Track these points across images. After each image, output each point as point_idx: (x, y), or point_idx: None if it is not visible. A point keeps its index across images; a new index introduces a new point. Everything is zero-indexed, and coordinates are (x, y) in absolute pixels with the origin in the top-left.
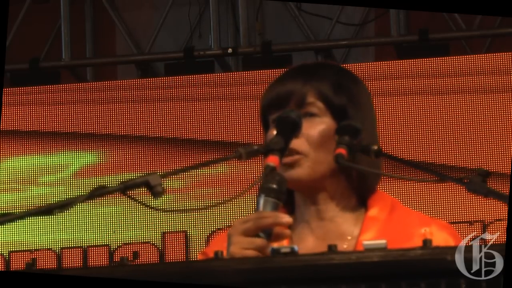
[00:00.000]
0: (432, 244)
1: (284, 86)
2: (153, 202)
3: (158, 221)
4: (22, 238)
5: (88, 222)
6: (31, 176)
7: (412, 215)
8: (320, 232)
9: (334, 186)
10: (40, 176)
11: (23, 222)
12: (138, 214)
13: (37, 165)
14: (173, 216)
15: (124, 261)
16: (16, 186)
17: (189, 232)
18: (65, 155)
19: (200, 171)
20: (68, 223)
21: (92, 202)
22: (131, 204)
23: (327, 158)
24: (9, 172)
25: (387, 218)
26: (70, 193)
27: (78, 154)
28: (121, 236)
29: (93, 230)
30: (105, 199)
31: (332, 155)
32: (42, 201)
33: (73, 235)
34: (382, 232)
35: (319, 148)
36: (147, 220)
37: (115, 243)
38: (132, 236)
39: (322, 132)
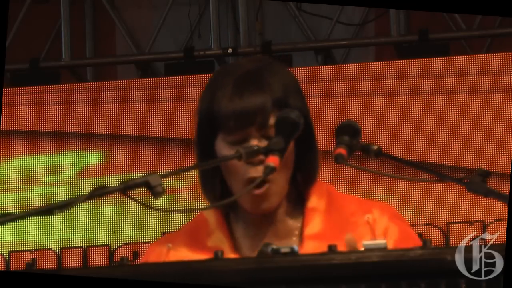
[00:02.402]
0: (376, 228)
1: (243, 103)
2: (153, 202)
3: (158, 221)
4: (22, 238)
5: (88, 222)
6: (31, 176)
7: (351, 202)
8: (268, 234)
9: (286, 196)
10: (40, 176)
11: (23, 222)
12: (138, 214)
13: (37, 165)
14: (173, 216)
15: (124, 261)
16: (16, 186)
17: None
18: (65, 155)
19: None
20: (68, 223)
21: (92, 202)
22: (131, 204)
23: (287, 175)
24: (9, 172)
25: (327, 208)
26: (70, 193)
27: (78, 154)
28: (121, 236)
29: (93, 230)
30: (105, 199)
31: (289, 169)
32: (43, 201)
33: (73, 235)
34: (326, 224)
35: (282, 171)
36: (147, 220)
37: (115, 243)
38: (132, 236)
39: (287, 159)
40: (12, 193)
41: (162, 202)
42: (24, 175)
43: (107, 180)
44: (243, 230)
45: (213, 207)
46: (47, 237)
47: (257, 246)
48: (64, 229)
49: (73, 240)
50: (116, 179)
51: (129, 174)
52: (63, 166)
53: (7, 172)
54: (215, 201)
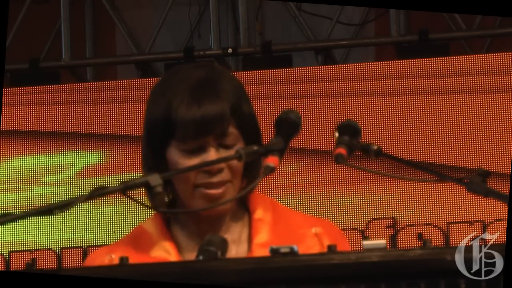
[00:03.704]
0: (323, 240)
1: (202, 111)
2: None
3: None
4: (22, 238)
5: (88, 222)
6: (31, 176)
7: (295, 216)
8: None
9: (234, 201)
10: (40, 176)
11: (23, 222)
12: (138, 214)
13: (37, 165)
14: None
15: (124, 261)
16: (16, 186)
17: None
18: (65, 155)
19: None
20: (68, 223)
21: (92, 202)
22: (131, 204)
23: (240, 179)
24: (9, 172)
25: (272, 220)
26: (70, 193)
27: (78, 154)
28: (121, 236)
29: (93, 230)
30: (105, 199)
31: (241, 174)
32: (43, 201)
33: (73, 235)
34: (273, 234)
35: (238, 176)
36: None
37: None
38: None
39: (242, 163)
40: (12, 193)
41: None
42: (24, 175)
43: (107, 180)
44: (188, 237)
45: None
46: (47, 237)
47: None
48: (64, 229)
49: (73, 240)
50: (116, 179)
51: (129, 174)
52: (63, 166)
53: (7, 172)
54: (160, 208)
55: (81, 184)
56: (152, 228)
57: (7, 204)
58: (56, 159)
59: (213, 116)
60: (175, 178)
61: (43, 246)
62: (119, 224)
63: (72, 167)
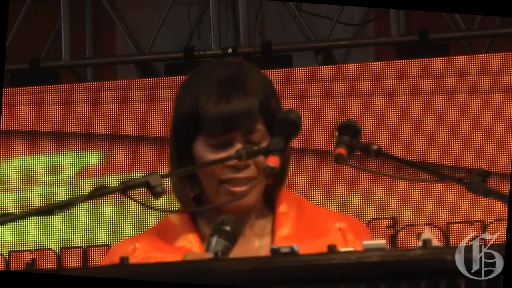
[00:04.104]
0: (347, 234)
1: (230, 107)
2: (153, 202)
3: (158, 221)
4: (22, 238)
5: (88, 222)
6: (31, 176)
7: (320, 211)
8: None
9: (259, 198)
10: (40, 176)
11: (23, 222)
12: (138, 214)
13: (37, 165)
14: None
15: (124, 261)
16: (16, 186)
17: None
18: (65, 155)
19: None
20: (68, 223)
21: (92, 202)
22: (131, 204)
23: (265, 178)
24: (9, 172)
25: (297, 214)
26: (70, 193)
27: (78, 154)
28: (121, 236)
29: (93, 230)
30: (105, 199)
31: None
32: (43, 201)
33: (73, 235)
34: (297, 228)
35: (262, 170)
36: (147, 220)
37: (115, 243)
38: (132, 236)
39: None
40: (12, 193)
41: (162, 202)
42: (24, 175)
43: (107, 180)
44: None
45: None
46: (47, 237)
47: None
48: (64, 229)
49: (73, 240)
50: (116, 179)
51: (129, 174)
52: (63, 166)
53: (7, 172)
54: (187, 202)
55: (81, 184)
56: (178, 220)
57: (7, 204)
58: (56, 159)
59: (241, 112)
60: (200, 173)
61: (43, 246)
62: (119, 224)
63: (72, 167)
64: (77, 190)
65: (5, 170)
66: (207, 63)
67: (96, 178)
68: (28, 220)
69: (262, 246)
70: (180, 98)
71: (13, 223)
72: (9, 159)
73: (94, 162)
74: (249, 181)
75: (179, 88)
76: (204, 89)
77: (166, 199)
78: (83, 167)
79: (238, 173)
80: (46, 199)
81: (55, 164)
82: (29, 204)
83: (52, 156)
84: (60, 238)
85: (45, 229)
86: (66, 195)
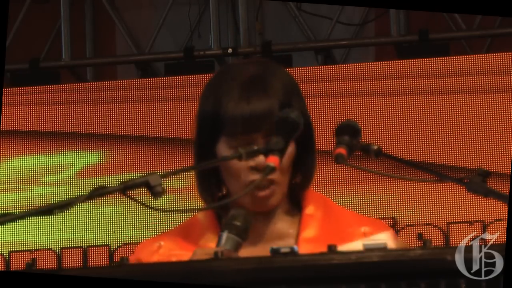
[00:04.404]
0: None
1: (250, 108)
2: (153, 202)
3: (158, 221)
4: (22, 238)
5: (88, 222)
6: (31, 176)
7: (347, 214)
8: (263, 235)
9: (285, 197)
10: (40, 176)
11: (23, 222)
12: (138, 214)
13: (37, 165)
14: (173, 216)
15: (124, 261)
16: (16, 186)
17: None
18: (65, 155)
19: None
20: (68, 223)
21: (92, 202)
22: (131, 204)
23: (289, 176)
24: (9, 172)
25: (323, 217)
26: (70, 193)
27: (78, 154)
28: (121, 236)
29: (93, 230)
30: (105, 199)
31: (290, 170)
32: (42, 201)
33: (73, 235)
34: (322, 230)
35: (285, 171)
36: (147, 220)
37: (115, 243)
38: (132, 236)
39: (290, 160)
40: (12, 193)
41: (162, 202)
42: (24, 175)
43: (107, 180)
44: None
45: (211, 207)
46: (47, 237)
47: (252, 246)
48: (64, 229)
49: (73, 240)
50: (116, 179)
51: (129, 174)
52: (63, 166)
53: (7, 172)
54: (211, 202)
55: (81, 184)
56: (203, 218)
57: (7, 204)
58: (56, 159)
59: (262, 113)
60: (225, 175)
61: (43, 246)
62: (119, 224)
63: (72, 167)
64: (77, 190)
65: (5, 170)
66: (233, 61)
67: (96, 178)
68: (28, 220)
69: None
70: (203, 98)
71: (13, 223)
72: (9, 159)
73: (94, 162)
74: (272, 183)
75: (203, 88)
76: (226, 90)
77: (166, 199)
78: (83, 167)
79: (261, 175)
80: (46, 199)
81: (55, 164)
82: (29, 204)
83: (52, 156)
84: (60, 238)
85: (45, 229)
86: (66, 195)
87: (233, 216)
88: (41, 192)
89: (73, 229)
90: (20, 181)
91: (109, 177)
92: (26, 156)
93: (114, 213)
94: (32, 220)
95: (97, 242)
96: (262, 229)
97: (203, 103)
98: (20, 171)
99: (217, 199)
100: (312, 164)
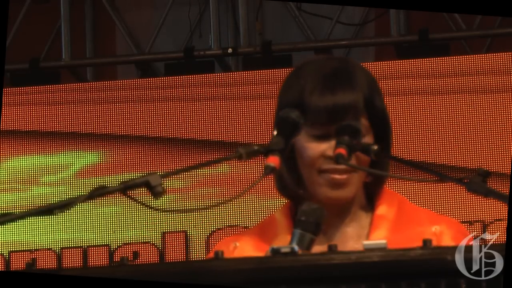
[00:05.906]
0: (442, 240)
1: (335, 99)
2: (153, 202)
3: (158, 221)
4: (22, 238)
5: (88, 222)
6: (31, 176)
7: (420, 213)
8: (333, 235)
9: (358, 193)
10: (40, 176)
11: (23, 222)
12: (138, 214)
13: (37, 165)
14: (173, 216)
15: (124, 261)
16: (16, 186)
17: (189, 232)
18: (65, 155)
19: (200, 171)
20: (68, 223)
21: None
22: (131, 204)
23: (365, 173)
24: (9, 172)
25: (395, 217)
26: (70, 193)
27: (78, 154)
28: (121, 236)
29: (93, 230)
30: (105, 199)
31: (365, 166)
32: (42, 201)
33: (73, 235)
34: (392, 231)
35: (362, 163)
36: (147, 220)
37: (115, 243)
38: (132, 236)
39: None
40: (12, 193)
41: (162, 202)
42: (24, 175)
43: (107, 180)
44: None
45: (211, 207)
46: (47, 237)
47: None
48: (64, 229)
49: (73, 240)
50: (116, 179)
51: (129, 174)
52: (63, 166)
53: (7, 172)
54: (291, 196)
55: (81, 184)
56: (280, 217)
57: (7, 204)
58: (55, 159)
59: (346, 104)
60: (300, 163)
61: (43, 246)
62: (119, 224)
63: (71, 167)
64: (77, 190)
65: (5, 170)
66: (313, 57)
67: (96, 178)
68: (28, 220)
69: (355, 249)
70: (285, 89)
71: (13, 223)
72: (9, 159)
73: (93, 162)
74: (348, 172)
75: (284, 80)
76: (311, 80)
77: (166, 199)
78: (82, 167)
79: (337, 164)
80: (46, 199)
81: (54, 164)
82: (29, 204)
83: (52, 156)
84: (60, 238)
85: (45, 229)
86: (65, 195)
87: (303, 212)
88: (40, 192)
89: (73, 229)
90: (20, 181)
91: (109, 177)
92: (26, 156)
93: (114, 213)
94: (32, 220)
95: (97, 242)
96: (335, 231)
97: (284, 93)
98: (20, 171)
99: (297, 196)
100: (385, 163)
